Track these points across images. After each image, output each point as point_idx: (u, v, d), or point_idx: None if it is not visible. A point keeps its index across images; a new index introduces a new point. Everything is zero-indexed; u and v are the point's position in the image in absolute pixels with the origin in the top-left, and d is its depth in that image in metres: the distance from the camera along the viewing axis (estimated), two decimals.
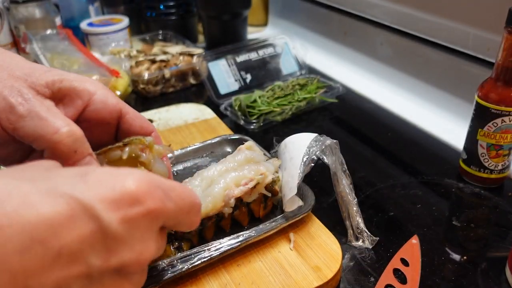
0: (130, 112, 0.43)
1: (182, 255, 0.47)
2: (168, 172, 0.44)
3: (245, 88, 0.93)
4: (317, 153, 0.53)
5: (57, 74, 0.39)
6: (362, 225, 0.54)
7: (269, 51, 0.99)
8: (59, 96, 0.39)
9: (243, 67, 0.95)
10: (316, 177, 0.66)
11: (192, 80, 1.00)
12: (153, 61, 0.98)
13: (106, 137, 0.43)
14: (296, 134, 0.57)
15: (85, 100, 0.40)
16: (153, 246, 0.30)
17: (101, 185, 0.27)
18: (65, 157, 0.35)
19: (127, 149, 0.40)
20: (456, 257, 0.53)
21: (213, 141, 0.68)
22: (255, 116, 0.82)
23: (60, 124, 0.35)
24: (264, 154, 0.60)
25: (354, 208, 0.54)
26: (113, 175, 0.28)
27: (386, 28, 0.96)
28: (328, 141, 0.53)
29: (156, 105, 0.88)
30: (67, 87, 0.39)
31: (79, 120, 0.40)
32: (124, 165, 0.40)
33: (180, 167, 0.65)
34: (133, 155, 0.41)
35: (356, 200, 0.54)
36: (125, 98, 0.91)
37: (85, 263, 0.26)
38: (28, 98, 0.35)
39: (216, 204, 0.49)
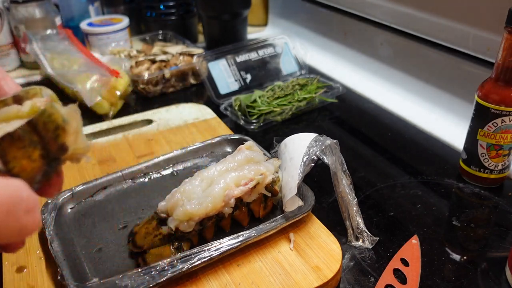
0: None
1: (182, 255, 0.47)
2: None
3: (245, 88, 0.93)
4: (317, 153, 0.53)
5: None
6: (362, 225, 0.54)
7: (269, 51, 0.99)
8: None
9: (243, 67, 0.95)
10: (316, 177, 0.66)
11: (192, 80, 1.00)
12: (153, 61, 0.98)
13: None
14: (296, 134, 0.57)
15: None
16: None
17: None
18: None
19: (28, 102, 0.33)
20: (456, 257, 0.53)
21: (213, 141, 0.68)
22: (255, 116, 0.82)
23: None
24: (264, 154, 0.60)
25: (354, 208, 0.54)
26: None
27: (386, 28, 0.96)
28: (328, 141, 0.53)
29: (156, 105, 0.88)
30: None
31: None
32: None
33: (180, 167, 0.65)
34: (36, 108, 0.33)
35: (356, 200, 0.54)
36: (125, 98, 0.91)
37: None
38: None
39: (216, 204, 0.49)
